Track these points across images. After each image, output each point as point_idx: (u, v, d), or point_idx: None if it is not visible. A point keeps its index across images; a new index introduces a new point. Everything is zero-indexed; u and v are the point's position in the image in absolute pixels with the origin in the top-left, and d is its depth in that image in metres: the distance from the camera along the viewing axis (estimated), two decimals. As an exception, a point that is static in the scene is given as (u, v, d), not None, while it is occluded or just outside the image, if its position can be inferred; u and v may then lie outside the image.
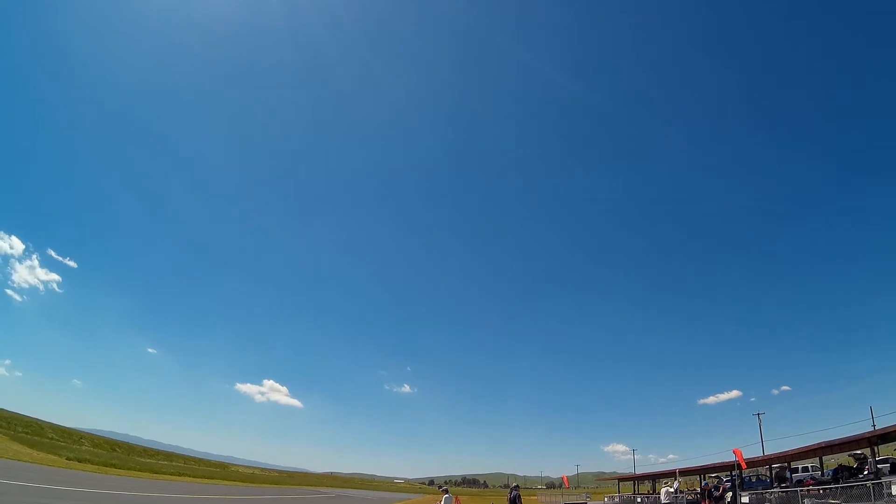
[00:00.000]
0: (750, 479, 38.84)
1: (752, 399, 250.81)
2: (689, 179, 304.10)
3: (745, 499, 29.78)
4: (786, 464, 34.84)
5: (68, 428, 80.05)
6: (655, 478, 62.66)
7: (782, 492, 28.37)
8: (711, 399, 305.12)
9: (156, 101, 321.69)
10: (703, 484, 19.61)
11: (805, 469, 35.40)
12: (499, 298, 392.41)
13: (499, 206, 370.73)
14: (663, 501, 30.79)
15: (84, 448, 51.38)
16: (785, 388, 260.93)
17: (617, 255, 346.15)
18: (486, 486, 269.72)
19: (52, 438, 51.39)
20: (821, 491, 25.17)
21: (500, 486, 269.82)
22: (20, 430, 49.89)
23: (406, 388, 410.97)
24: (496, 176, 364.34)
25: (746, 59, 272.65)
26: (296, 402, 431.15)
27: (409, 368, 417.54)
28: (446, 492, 18.99)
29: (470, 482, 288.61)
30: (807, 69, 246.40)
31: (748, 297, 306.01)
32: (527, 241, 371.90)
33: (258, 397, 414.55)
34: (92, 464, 32.27)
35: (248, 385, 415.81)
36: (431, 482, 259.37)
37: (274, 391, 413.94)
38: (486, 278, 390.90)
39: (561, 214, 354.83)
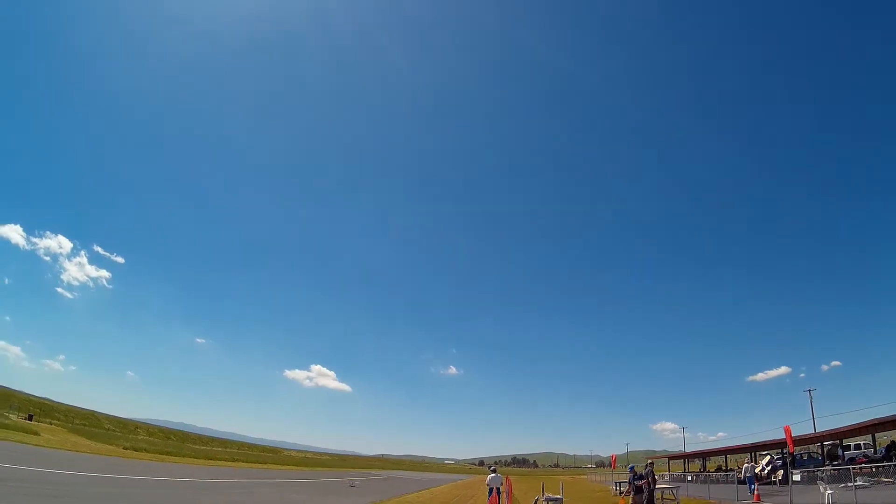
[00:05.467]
0: (801, 457, 37.44)
1: (802, 375, 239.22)
2: (732, 158, 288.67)
3: (796, 477, 28.71)
4: (837, 441, 33.35)
5: (123, 418, 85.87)
6: (706, 455, 61.21)
7: (834, 470, 27.23)
8: (760, 376, 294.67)
9: (196, 97, 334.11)
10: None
11: (857, 447, 33.74)
12: (543, 277, 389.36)
13: (538, 189, 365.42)
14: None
15: (140, 437, 54.89)
16: (835, 363, 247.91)
17: (663, 232, 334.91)
18: (536, 466, 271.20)
19: (108, 429, 55.04)
20: (873, 469, 24.06)
21: (550, 466, 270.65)
22: (78, 422, 53.70)
23: (452, 370, 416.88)
24: (539, 160, 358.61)
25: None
26: (345, 387, 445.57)
27: (454, 350, 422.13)
28: (494, 471, 18.99)
29: (520, 462, 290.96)
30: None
31: (795, 271, 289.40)
32: (571, 220, 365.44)
33: (306, 382, 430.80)
34: (148, 452, 34.58)
35: (296, 371, 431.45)
36: (481, 462, 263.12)
37: (322, 376, 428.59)
38: (530, 258, 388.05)
39: (603, 195, 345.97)
